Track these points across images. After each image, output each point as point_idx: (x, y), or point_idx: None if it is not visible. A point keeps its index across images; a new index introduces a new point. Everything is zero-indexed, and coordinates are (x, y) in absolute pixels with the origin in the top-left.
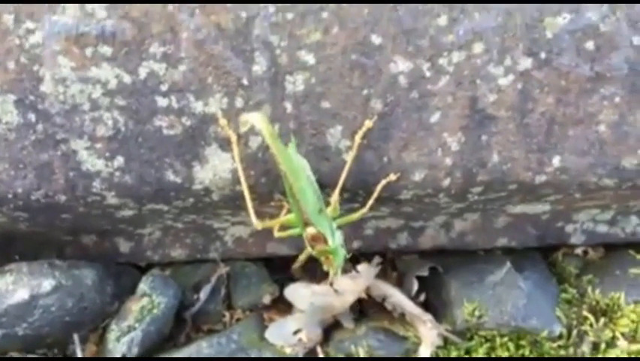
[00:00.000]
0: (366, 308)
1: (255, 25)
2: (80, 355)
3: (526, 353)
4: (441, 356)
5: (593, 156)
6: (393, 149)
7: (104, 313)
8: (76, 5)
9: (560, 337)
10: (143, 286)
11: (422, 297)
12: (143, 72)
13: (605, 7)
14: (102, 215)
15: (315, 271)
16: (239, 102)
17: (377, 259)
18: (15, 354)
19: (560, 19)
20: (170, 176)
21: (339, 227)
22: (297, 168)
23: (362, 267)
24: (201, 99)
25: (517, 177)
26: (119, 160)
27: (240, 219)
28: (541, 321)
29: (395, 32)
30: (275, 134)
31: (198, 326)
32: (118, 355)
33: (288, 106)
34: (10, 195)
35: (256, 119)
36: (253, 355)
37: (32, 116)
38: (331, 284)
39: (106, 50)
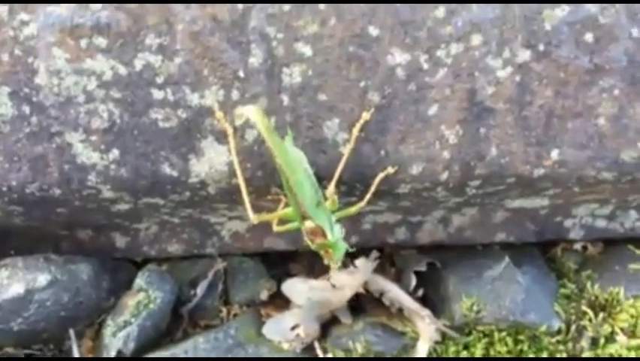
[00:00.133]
0: (363, 303)
1: (251, 16)
2: (75, 350)
3: (525, 348)
4: (439, 351)
5: (591, 149)
6: (390, 142)
7: (100, 309)
8: None
9: (559, 332)
10: (139, 281)
11: (420, 292)
12: (138, 64)
13: None
14: (98, 209)
15: (312, 267)
16: (235, 95)
17: (375, 254)
18: (10, 350)
19: (559, 10)
20: (166, 169)
21: (339, 220)
22: (293, 161)
23: (360, 262)
24: (197, 92)
25: (516, 171)
26: (115, 153)
27: (236, 213)
28: (540, 316)
29: (393, 24)
30: (270, 127)
31: (195, 321)
32: (114, 350)
33: (285, 98)
34: (4, 189)
35: (251, 113)
36: (250, 350)
37: (27, 109)
38: (330, 279)
39: (101, 41)
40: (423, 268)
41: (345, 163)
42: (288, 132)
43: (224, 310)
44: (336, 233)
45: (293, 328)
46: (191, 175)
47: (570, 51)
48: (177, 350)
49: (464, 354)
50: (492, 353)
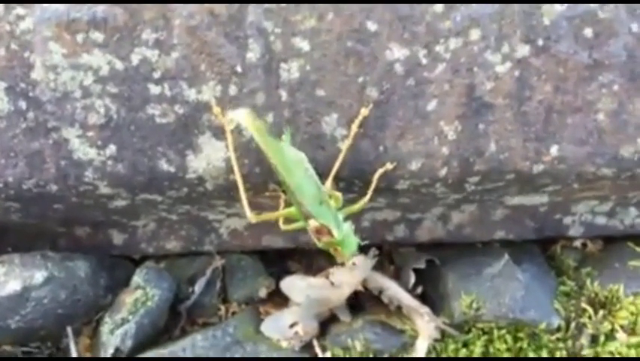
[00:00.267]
0: (362, 301)
1: (248, 11)
2: (73, 348)
3: (524, 345)
4: (438, 348)
5: (591, 145)
6: (389, 137)
7: (98, 306)
8: None
9: (559, 329)
10: (137, 278)
11: (419, 290)
12: (135, 59)
13: None
14: (95, 205)
15: (311, 264)
16: (232, 90)
17: (374, 252)
18: (8, 348)
19: (558, 5)
20: (164, 165)
21: (347, 217)
22: (290, 161)
23: (358, 259)
24: (194, 87)
25: (515, 167)
26: (112, 149)
27: (235, 210)
28: (540, 313)
29: (391, 19)
30: (263, 130)
31: (193, 319)
32: (111, 348)
33: (283, 94)
34: (0, 185)
35: (242, 117)
36: (249, 348)
37: (23, 104)
38: (329, 276)
39: (97, 36)
40: (422, 265)
41: (342, 160)
42: (285, 129)
43: (222, 307)
44: (344, 230)
45: (291, 326)
46: (188, 171)
47: (569, 46)
48: (175, 348)
49: (463, 352)
50: (491, 351)
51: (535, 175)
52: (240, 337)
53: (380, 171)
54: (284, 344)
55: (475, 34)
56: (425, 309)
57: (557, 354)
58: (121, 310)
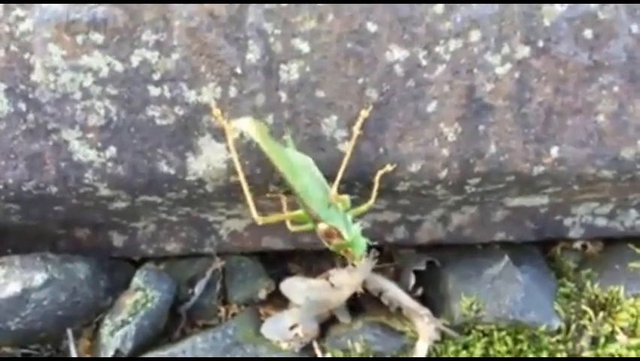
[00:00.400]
0: (362, 303)
1: (248, 12)
2: (73, 350)
3: (524, 347)
4: (438, 350)
5: (591, 146)
6: (389, 139)
7: (98, 308)
8: None
9: (559, 331)
10: (137, 280)
11: (419, 291)
12: (135, 60)
13: None
14: (95, 207)
15: (311, 266)
16: (232, 91)
17: (374, 253)
18: (8, 349)
19: (558, 6)
20: (164, 167)
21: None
22: (296, 167)
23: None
24: (194, 88)
25: (515, 168)
26: (112, 150)
27: (235, 212)
28: (540, 315)
29: (391, 20)
30: (267, 137)
31: (193, 320)
32: (112, 350)
33: (283, 95)
34: (0, 187)
35: (246, 125)
36: (249, 350)
37: (23, 106)
38: (329, 278)
39: (97, 37)
40: (422, 267)
41: (347, 163)
42: (286, 130)
43: (222, 309)
44: (353, 231)
45: (291, 327)
46: (188, 173)
47: (569, 47)
48: (175, 350)
49: (463, 354)
50: (491, 353)
51: (535, 177)
52: (239, 338)
53: (380, 172)
54: (284, 345)
55: (475, 35)
56: (425, 311)
57: (557, 356)
58: (121, 311)
